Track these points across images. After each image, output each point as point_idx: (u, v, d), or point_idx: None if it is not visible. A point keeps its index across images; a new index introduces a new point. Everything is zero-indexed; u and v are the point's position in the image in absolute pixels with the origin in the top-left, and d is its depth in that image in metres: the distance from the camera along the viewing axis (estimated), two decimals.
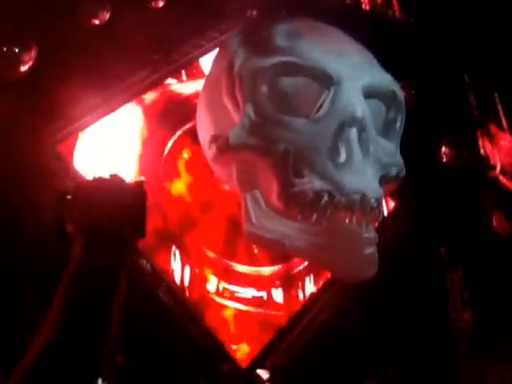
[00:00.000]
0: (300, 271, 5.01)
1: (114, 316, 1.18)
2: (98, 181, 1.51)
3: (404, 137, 2.42)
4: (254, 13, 5.05)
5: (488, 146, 6.51)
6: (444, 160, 5.85)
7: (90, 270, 1.24)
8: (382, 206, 2.17)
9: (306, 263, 4.60)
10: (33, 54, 4.46)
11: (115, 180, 1.43)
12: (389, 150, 2.26)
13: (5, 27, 4.54)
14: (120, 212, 1.43)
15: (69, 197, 1.46)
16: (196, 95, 4.06)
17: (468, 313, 5.20)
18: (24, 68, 4.52)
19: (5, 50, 4.34)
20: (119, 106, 4.95)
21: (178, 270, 4.32)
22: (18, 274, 3.82)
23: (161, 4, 5.26)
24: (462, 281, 5.44)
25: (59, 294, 1.17)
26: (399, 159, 2.32)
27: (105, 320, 1.17)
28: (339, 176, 2.02)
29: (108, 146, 4.86)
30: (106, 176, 1.46)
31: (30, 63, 4.47)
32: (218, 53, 2.56)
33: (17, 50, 4.46)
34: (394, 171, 2.28)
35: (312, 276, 5.16)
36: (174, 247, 4.32)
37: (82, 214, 1.42)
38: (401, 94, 2.46)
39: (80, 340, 1.14)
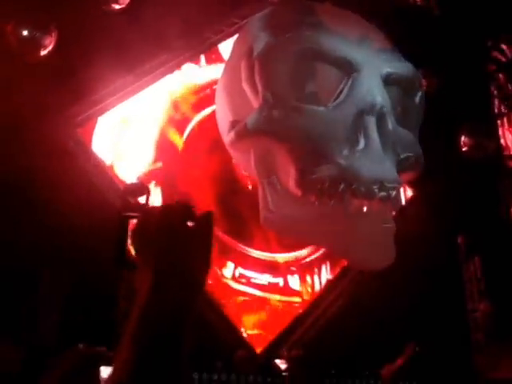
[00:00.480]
0: (316, 258, 5.01)
1: (186, 360, 1.11)
2: (169, 210, 1.29)
3: (424, 125, 2.40)
4: None
5: (508, 135, 6.44)
6: (463, 149, 5.80)
7: (163, 312, 1.15)
8: (400, 194, 2.15)
9: (322, 250, 4.59)
10: (53, 38, 4.48)
11: (187, 211, 1.29)
12: (408, 138, 2.25)
13: (26, 11, 4.56)
14: (194, 250, 1.25)
15: (134, 221, 1.33)
16: (215, 81, 4.06)
17: (484, 303, 5.18)
18: (44, 52, 4.55)
19: (26, 34, 4.37)
20: (138, 90, 4.97)
21: None
22: (37, 254, 3.87)
23: None
24: (480, 271, 5.42)
25: (130, 330, 1.10)
26: (418, 148, 2.31)
27: (178, 366, 1.11)
28: (357, 164, 2.01)
29: (126, 130, 4.87)
30: (174, 204, 1.33)
31: (51, 47, 4.49)
32: (238, 38, 2.54)
33: (37, 35, 4.49)
34: (412, 160, 2.26)
35: (328, 263, 5.17)
36: None
37: (154, 248, 1.24)
38: (421, 83, 2.44)
39: None
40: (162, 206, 1.34)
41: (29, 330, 3.54)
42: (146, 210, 1.35)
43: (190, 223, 1.29)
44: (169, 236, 1.25)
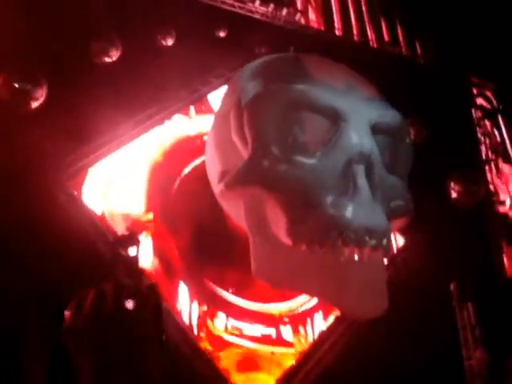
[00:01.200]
0: (309, 308, 4.97)
1: None
2: (99, 295, 1.10)
3: (412, 173, 2.42)
4: (263, 50, 5.13)
5: (497, 181, 6.50)
6: (453, 196, 5.83)
7: None
8: (391, 242, 2.15)
9: (314, 300, 4.56)
10: (44, 90, 4.52)
11: (121, 292, 1.10)
12: (397, 185, 2.26)
13: (17, 64, 4.61)
14: (138, 337, 1.06)
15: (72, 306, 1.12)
16: (205, 132, 4.09)
17: (480, 351, 5.12)
18: (35, 104, 4.59)
19: (17, 86, 4.41)
20: (128, 141, 5.00)
21: (186, 306, 4.30)
22: (24, 300, 3.80)
23: (170, 42, 5.35)
24: (474, 318, 5.37)
25: None
26: (408, 195, 2.31)
27: None
28: (347, 212, 2.01)
29: (117, 181, 4.89)
30: (105, 286, 1.15)
31: (42, 100, 4.53)
32: (227, 89, 2.57)
33: (29, 87, 4.53)
34: (402, 207, 2.27)
35: (321, 313, 5.12)
36: (181, 283, 4.29)
37: (87, 345, 1.05)
38: (409, 131, 2.46)
39: None
40: (91, 291, 1.16)
41: None
42: (83, 294, 1.16)
43: (129, 304, 1.11)
44: (101, 326, 1.07)
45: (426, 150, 4.61)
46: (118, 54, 5.00)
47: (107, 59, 5.02)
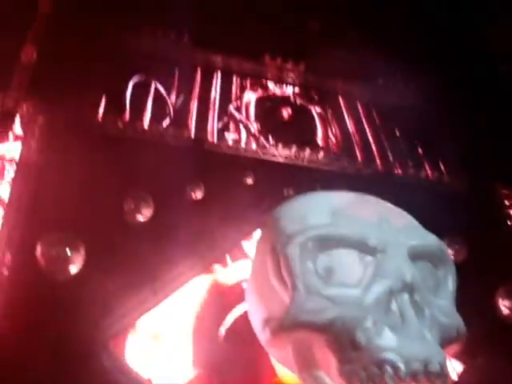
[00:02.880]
0: None
1: None
2: None
3: (459, 293, 2.36)
4: (291, 191, 5.24)
5: None
6: (504, 312, 5.63)
7: None
8: (448, 370, 2.05)
9: None
10: (82, 254, 4.61)
11: None
12: (445, 309, 2.20)
13: (54, 229, 4.73)
14: None
15: None
16: (243, 279, 4.09)
17: None
18: (74, 269, 4.66)
19: (55, 252, 4.51)
20: (167, 296, 5.00)
21: None
22: None
23: (200, 195, 5.51)
24: None
25: None
26: (457, 318, 2.25)
27: None
28: (397, 344, 1.95)
29: (160, 337, 4.82)
30: None
31: (80, 264, 4.61)
32: (261, 235, 2.60)
33: (68, 253, 4.63)
34: (454, 331, 2.20)
35: None
36: None
37: None
38: (448, 252, 2.44)
39: None
40: None
41: None
42: None
43: None
44: None
45: (468, 268, 4.53)
46: (151, 212, 5.14)
47: (141, 217, 5.15)
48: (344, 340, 2.04)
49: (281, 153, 6.35)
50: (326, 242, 2.21)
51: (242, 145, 6.32)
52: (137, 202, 5.10)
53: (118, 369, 4.47)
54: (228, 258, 5.29)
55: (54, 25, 6.03)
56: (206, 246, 4.99)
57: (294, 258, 2.18)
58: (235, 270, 5.06)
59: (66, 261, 4.64)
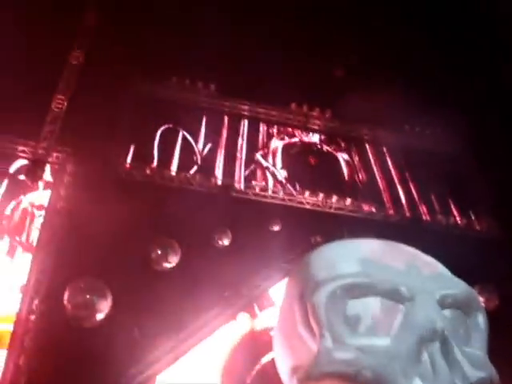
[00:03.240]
0: None
1: None
2: None
3: (490, 341, 2.28)
4: (318, 238, 5.20)
5: None
6: None
7: None
8: None
9: None
10: (109, 302, 4.61)
11: None
12: (477, 359, 2.12)
13: (82, 276, 4.76)
14: None
15: None
16: (270, 327, 4.04)
17: None
18: (101, 316, 4.66)
19: (82, 299, 4.53)
20: (194, 345, 4.96)
21: None
22: None
23: (226, 242, 5.50)
24: None
25: None
26: (490, 367, 2.16)
27: None
28: None
29: None
30: None
31: (107, 311, 4.61)
32: (288, 282, 2.56)
33: (95, 300, 4.64)
34: (487, 381, 2.11)
35: None
36: None
37: None
38: (478, 300, 2.37)
39: None
40: None
41: None
42: None
43: None
44: None
45: (500, 316, 4.41)
46: (178, 259, 5.15)
47: (167, 265, 5.16)
48: None
49: (308, 200, 6.34)
50: (355, 291, 2.16)
51: (269, 192, 6.33)
52: (164, 249, 5.10)
53: None
54: (255, 305, 5.24)
55: (84, 76, 6.19)
56: (233, 293, 4.95)
57: (322, 305, 2.13)
58: (263, 318, 5.00)
59: (93, 308, 4.64)
